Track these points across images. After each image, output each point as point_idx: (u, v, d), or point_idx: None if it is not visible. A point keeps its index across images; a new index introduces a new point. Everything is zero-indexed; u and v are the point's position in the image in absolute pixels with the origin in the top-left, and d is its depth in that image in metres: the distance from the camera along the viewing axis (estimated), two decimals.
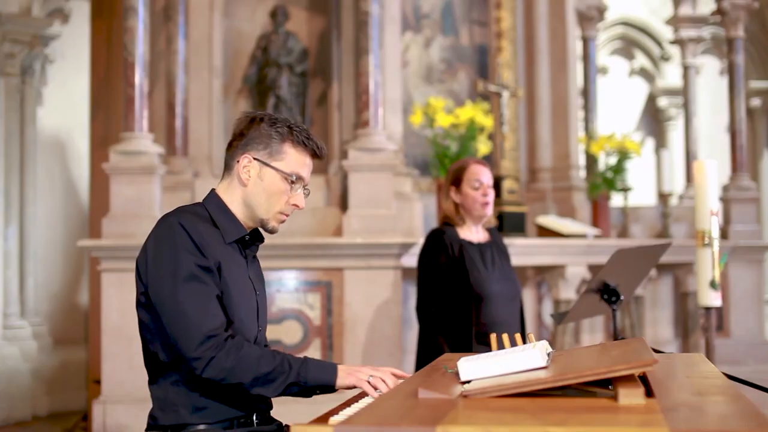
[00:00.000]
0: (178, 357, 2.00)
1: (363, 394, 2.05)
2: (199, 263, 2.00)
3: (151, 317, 2.07)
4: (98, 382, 4.70)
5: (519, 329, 3.48)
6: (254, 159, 2.10)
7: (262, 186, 2.11)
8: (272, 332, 4.55)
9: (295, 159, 2.12)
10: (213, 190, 2.19)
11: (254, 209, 2.13)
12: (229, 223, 2.13)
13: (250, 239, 2.19)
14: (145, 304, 2.09)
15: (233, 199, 2.14)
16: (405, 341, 4.77)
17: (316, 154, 2.16)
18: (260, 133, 2.11)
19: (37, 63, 6.94)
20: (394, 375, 2.11)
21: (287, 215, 2.16)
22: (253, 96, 5.37)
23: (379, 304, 4.66)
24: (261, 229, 2.19)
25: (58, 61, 7.26)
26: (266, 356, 1.99)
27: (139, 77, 4.65)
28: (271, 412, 2.20)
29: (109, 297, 4.51)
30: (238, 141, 2.13)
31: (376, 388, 2.01)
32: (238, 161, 2.12)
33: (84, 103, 6.44)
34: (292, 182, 2.11)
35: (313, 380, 2.01)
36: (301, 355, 2.10)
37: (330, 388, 2.04)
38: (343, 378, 2.03)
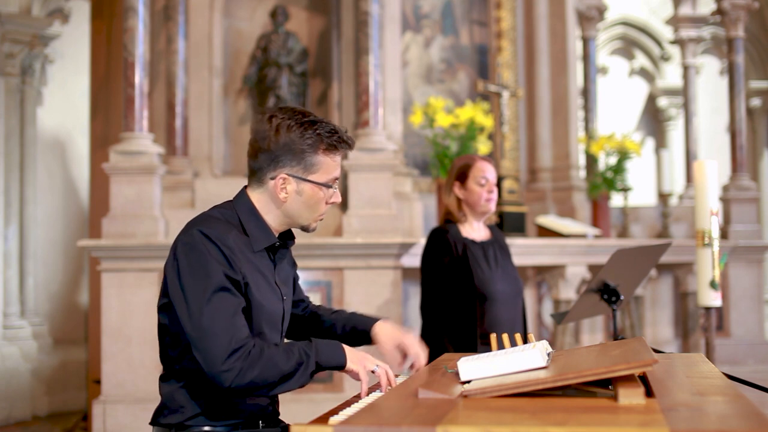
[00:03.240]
0: (192, 361, 1.98)
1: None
2: (228, 275, 1.98)
3: (173, 321, 2.04)
4: (98, 382, 4.70)
5: (522, 327, 3.49)
6: (289, 176, 2.06)
7: (301, 200, 2.08)
8: None
9: (331, 165, 2.08)
10: (245, 190, 2.14)
11: (294, 219, 2.12)
12: (259, 231, 2.10)
13: (280, 244, 2.16)
14: (167, 308, 2.05)
15: (268, 210, 2.11)
16: None
17: (349, 147, 2.13)
18: (291, 147, 2.04)
19: (37, 63, 6.95)
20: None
21: (324, 214, 2.16)
22: (253, 96, 5.37)
23: (379, 304, 4.66)
24: (300, 230, 2.19)
25: (58, 61, 7.26)
26: (285, 352, 1.98)
27: (139, 77, 4.65)
28: (278, 415, 2.20)
29: (109, 297, 4.51)
30: (266, 154, 2.07)
31: (378, 382, 2.02)
32: (272, 179, 2.07)
33: (84, 103, 6.44)
34: (331, 187, 2.10)
35: (326, 362, 2.01)
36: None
37: (342, 368, 2.04)
38: (352, 362, 2.03)
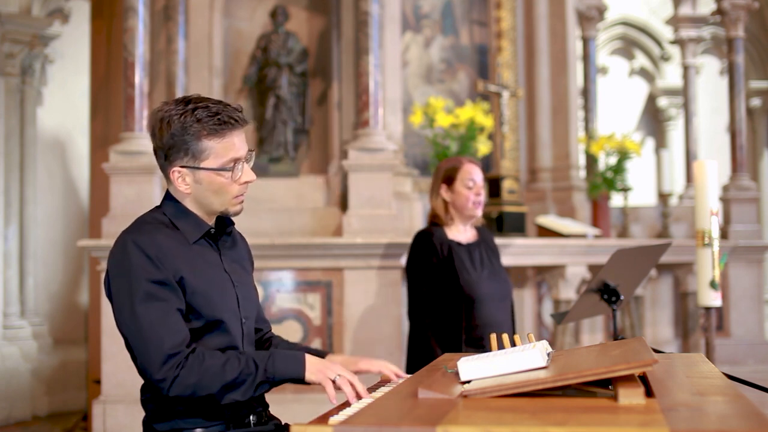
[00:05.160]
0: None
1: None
2: (154, 279, 1.97)
3: None
4: (98, 382, 4.70)
5: (510, 329, 3.48)
6: (182, 167, 2.05)
7: (203, 188, 2.06)
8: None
9: (221, 148, 2.03)
10: (167, 191, 2.15)
11: (208, 207, 2.10)
12: (189, 224, 2.10)
13: (217, 231, 2.15)
14: None
15: (186, 201, 2.11)
16: (404, 341, 4.76)
17: (239, 124, 2.06)
18: (174, 140, 2.02)
19: (37, 63, 6.95)
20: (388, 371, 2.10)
21: (243, 194, 2.11)
22: (253, 96, 5.37)
23: (379, 303, 4.66)
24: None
25: (58, 61, 7.26)
26: (231, 361, 1.96)
27: (139, 77, 4.65)
28: (269, 410, 2.19)
29: None
30: (159, 151, 2.07)
31: (339, 389, 1.97)
32: (171, 174, 2.07)
33: (84, 103, 6.44)
34: (231, 170, 2.05)
35: (281, 374, 1.98)
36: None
37: (302, 380, 2.01)
38: (312, 372, 1.99)
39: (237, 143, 2.06)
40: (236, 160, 2.06)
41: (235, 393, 1.96)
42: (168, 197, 2.14)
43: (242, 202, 2.12)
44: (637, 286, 3.74)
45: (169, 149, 2.04)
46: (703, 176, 3.71)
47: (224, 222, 2.18)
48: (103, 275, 4.55)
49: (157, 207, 2.16)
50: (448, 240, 3.44)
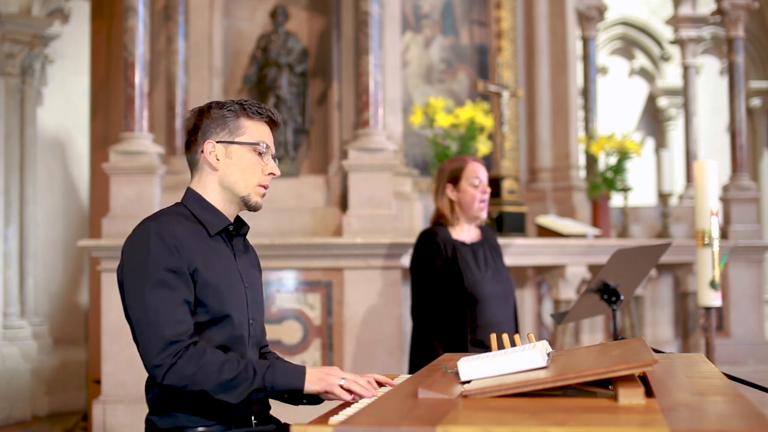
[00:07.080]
0: None
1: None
2: (169, 267, 1.99)
3: None
4: (98, 382, 4.70)
5: (513, 328, 3.48)
6: (217, 142, 2.13)
7: (232, 164, 2.14)
8: (272, 332, 4.55)
9: (255, 130, 2.15)
10: (189, 187, 2.20)
11: (232, 188, 2.15)
12: (211, 215, 2.14)
13: (235, 230, 2.19)
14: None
15: (209, 189, 2.15)
16: (405, 341, 4.76)
17: (272, 122, 2.20)
18: (213, 118, 2.14)
19: (37, 63, 6.95)
20: (377, 381, 2.05)
21: (266, 186, 2.18)
22: (253, 96, 5.36)
23: (379, 303, 4.66)
24: (245, 208, 2.18)
25: (58, 61, 7.26)
26: (230, 362, 1.97)
27: (139, 77, 4.65)
28: (270, 411, 2.20)
29: (109, 297, 4.51)
30: (195, 135, 2.16)
31: (350, 392, 1.97)
32: (202, 151, 2.14)
33: (84, 103, 6.44)
34: (261, 153, 2.15)
35: (279, 385, 1.99)
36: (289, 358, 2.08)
37: (299, 392, 2.02)
38: (312, 383, 2.00)
39: (268, 136, 2.19)
40: (267, 147, 2.16)
41: (228, 395, 1.96)
42: (189, 193, 2.18)
43: (263, 195, 2.19)
44: (637, 286, 3.74)
45: (208, 127, 2.14)
46: (703, 176, 3.71)
47: (241, 223, 2.23)
48: (103, 275, 4.57)
49: (177, 203, 2.20)
50: (452, 240, 3.44)
